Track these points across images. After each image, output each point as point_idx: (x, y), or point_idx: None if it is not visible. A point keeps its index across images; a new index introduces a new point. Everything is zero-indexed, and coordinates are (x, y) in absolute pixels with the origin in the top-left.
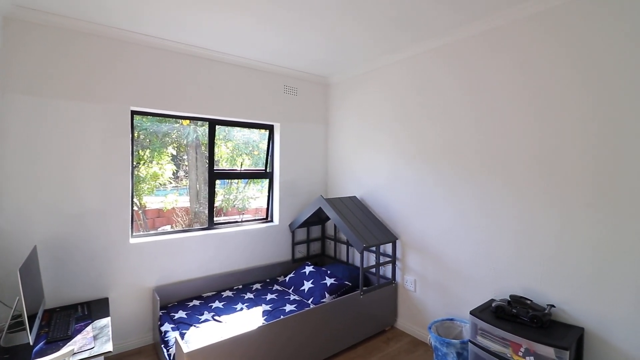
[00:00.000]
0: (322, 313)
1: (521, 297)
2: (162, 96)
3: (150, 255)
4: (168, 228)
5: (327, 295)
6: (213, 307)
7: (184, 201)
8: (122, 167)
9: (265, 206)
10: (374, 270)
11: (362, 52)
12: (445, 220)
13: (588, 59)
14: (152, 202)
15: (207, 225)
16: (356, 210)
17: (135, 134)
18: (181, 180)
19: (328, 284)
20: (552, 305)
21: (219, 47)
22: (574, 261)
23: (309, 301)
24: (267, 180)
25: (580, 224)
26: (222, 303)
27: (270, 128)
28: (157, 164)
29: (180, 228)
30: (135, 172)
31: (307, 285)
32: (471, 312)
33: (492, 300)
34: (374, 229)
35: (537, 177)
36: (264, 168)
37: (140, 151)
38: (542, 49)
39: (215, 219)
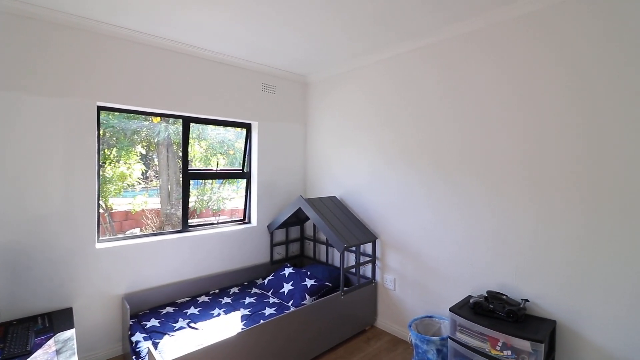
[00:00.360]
0: (303, 315)
1: (497, 292)
2: (132, 91)
3: (119, 260)
4: (137, 231)
5: (307, 297)
6: (188, 314)
7: (154, 203)
8: (87, 167)
9: (242, 207)
10: (354, 270)
11: (343, 51)
12: (425, 219)
13: (573, 61)
14: (119, 203)
15: (180, 228)
16: (336, 211)
17: (101, 132)
18: (151, 180)
19: (308, 286)
20: (526, 300)
21: (195, 41)
22: (547, 258)
23: (289, 304)
24: (244, 180)
25: (555, 223)
26: (198, 309)
27: (247, 127)
28: (125, 163)
29: (150, 231)
30: (101, 172)
31: (287, 287)
32: (451, 309)
33: (470, 297)
34: (354, 229)
35: (517, 178)
36: (241, 168)
37: (106, 150)
38: (528, 51)
39: (189, 221)
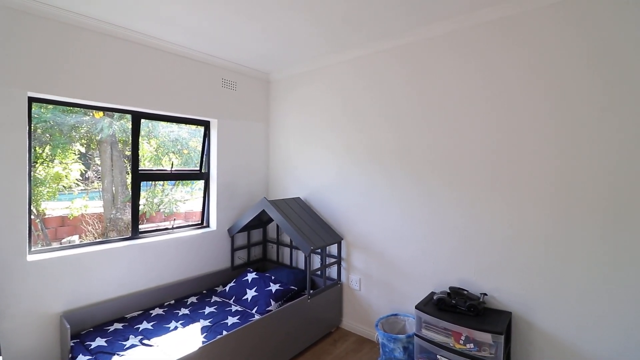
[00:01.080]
0: (270, 323)
1: (459, 288)
2: (72, 81)
3: (56, 273)
4: (76, 239)
5: (272, 302)
6: (140, 329)
7: (95, 206)
8: (15, 168)
9: (197, 210)
10: (319, 272)
11: (309, 49)
12: (391, 219)
13: (545, 65)
14: (53, 208)
15: (130, 235)
16: (301, 212)
17: (31, 128)
18: (92, 182)
19: (273, 291)
20: (485, 294)
21: (145, 29)
22: (504, 253)
23: (254, 311)
24: (202, 181)
25: (514, 221)
26: (152, 323)
27: (206, 124)
28: (61, 163)
29: (92, 238)
30: (32, 174)
31: (251, 293)
32: (416, 307)
33: (433, 293)
34: (319, 230)
35: (482, 178)
36: (198, 168)
37: (37, 148)
38: (500, 54)
39: (139, 226)
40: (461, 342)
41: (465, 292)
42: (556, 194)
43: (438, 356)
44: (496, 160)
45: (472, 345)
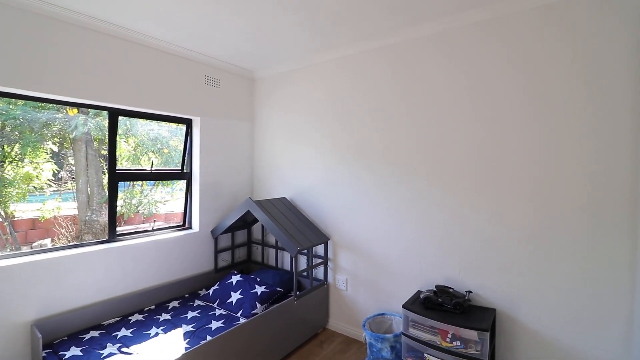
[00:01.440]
0: (255, 326)
1: (445, 286)
2: (42, 74)
3: (26, 279)
4: (48, 242)
5: (258, 305)
6: (119, 337)
7: (69, 208)
8: None
9: (178, 211)
10: (305, 273)
11: (296, 47)
12: (378, 219)
13: (530, 65)
14: (23, 210)
15: (106, 237)
16: (287, 212)
17: None
18: (65, 182)
19: (259, 293)
20: (470, 291)
21: (122, 21)
22: (488, 251)
23: (239, 314)
24: (183, 181)
25: (497, 220)
26: (131, 330)
27: (188, 122)
28: (32, 162)
29: (65, 241)
30: (0, 174)
31: (235, 296)
32: (403, 306)
33: (420, 292)
34: (306, 231)
35: (467, 178)
36: (179, 168)
37: (5, 146)
38: (486, 55)
39: (117, 228)
40: (448, 339)
41: (451, 290)
42: (539, 193)
43: (425, 354)
44: (480, 159)
45: (458, 343)
